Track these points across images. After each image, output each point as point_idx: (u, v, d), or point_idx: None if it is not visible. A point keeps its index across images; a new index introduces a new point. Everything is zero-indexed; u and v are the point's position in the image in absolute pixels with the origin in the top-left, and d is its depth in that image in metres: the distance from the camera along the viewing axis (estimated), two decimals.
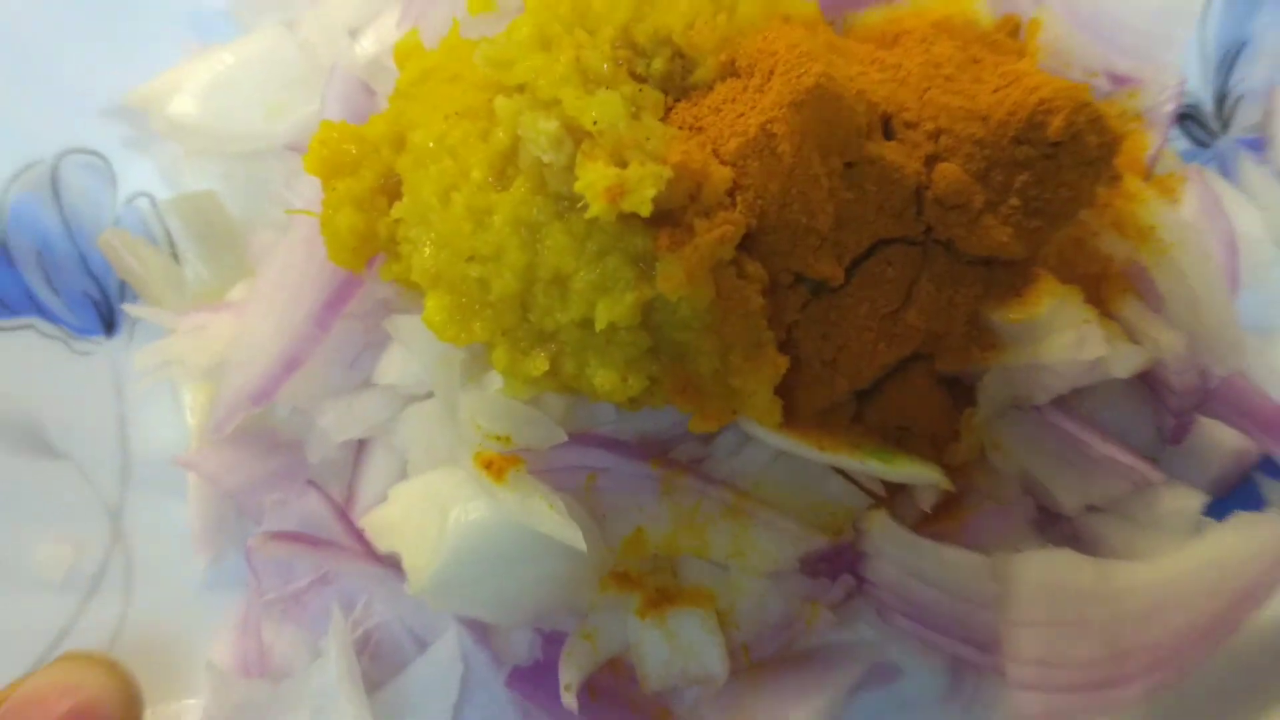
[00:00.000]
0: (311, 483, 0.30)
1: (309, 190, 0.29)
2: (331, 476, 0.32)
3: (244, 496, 0.30)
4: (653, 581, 0.28)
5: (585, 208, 0.23)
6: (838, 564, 0.28)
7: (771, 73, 0.28)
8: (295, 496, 0.30)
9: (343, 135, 0.27)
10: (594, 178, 0.23)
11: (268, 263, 0.29)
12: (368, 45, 0.32)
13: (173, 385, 0.30)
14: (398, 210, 0.26)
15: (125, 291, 0.32)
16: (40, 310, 0.30)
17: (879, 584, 0.28)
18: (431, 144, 0.26)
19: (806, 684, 0.28)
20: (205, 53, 0.31)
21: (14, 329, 0.28)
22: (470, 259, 0.26)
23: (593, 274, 0.24)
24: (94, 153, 0.31)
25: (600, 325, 0.24)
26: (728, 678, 0.28)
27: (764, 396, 0.26)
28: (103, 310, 0.31)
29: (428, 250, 0.25)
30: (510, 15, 0.29)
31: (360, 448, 0.30)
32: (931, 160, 0.30)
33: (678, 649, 0.27)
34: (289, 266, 0.28)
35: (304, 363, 0.28)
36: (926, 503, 0.30)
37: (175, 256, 0.31)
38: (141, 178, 0.33)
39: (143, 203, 0.33)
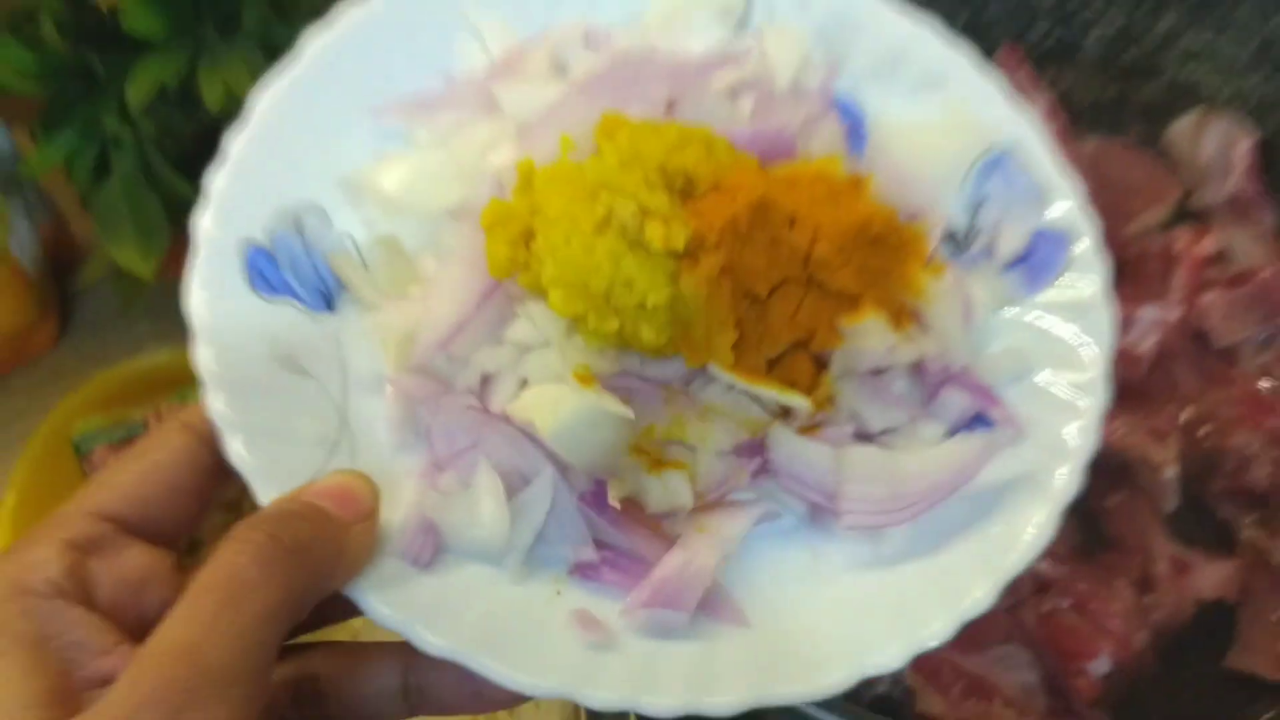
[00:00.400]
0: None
1: (464, 235, 0.50)
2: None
3: (420, 400, 0.50)
4: (654, 453, 0.50)
5: (648, 246, 0.46)
6: (755, 450, 0.51)
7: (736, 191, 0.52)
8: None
9: (500, 206, 0.49)
10: (653, 233, 0.46)
11: (443, 272, 0.51)
12: (496, 159, 0.54)
13: (375, 339, 0.50)
14: (534, 247, 0.48)
15: (339, 287, 0.52)
16: (292, 293, 0.49)
17: (774, 463, 0.50)
18: (556, 212, 0.48)
19: (733, 513, 0.50)
20: (392, 155, 0.53)
21: (280, 303, 0.48)
22: (579, 272, 0.48)
23: (647, 280, 0.47)
24: (319, 206, 0.46)
25: (649, 307, 0.47)
26: (691, 507, 0.50)
27: (725, 351, 0.50)
28: (326, 297, 0.52)
29: (551, 269, 0.47)
30: (584, 152, 0.52)
31: (487, 379, 0.51)
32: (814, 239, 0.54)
33: (666, 491, 0.50)
34: (459, 274, 0.50)
35: (466, 328, 0.50)
36: (802, 418, 0.52)
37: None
38: (348, 223, 0.52)
39: (348, 240, 0.51)
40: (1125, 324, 0.55)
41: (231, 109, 0.66)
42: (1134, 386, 0.58)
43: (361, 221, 0.46)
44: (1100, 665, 0.52)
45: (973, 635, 0.54)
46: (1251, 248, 0.63)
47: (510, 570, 0.41)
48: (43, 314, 0.80)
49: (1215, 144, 0.66)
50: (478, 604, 0.39)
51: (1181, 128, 0.67)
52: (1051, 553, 0.54)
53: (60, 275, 0.83)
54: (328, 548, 0.36)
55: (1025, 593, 0.55)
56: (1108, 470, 0.57)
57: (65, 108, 0.69)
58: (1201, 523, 0.57)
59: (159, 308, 0.82)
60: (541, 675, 0.37)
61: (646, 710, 0.38)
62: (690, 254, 0.45)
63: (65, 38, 0.67)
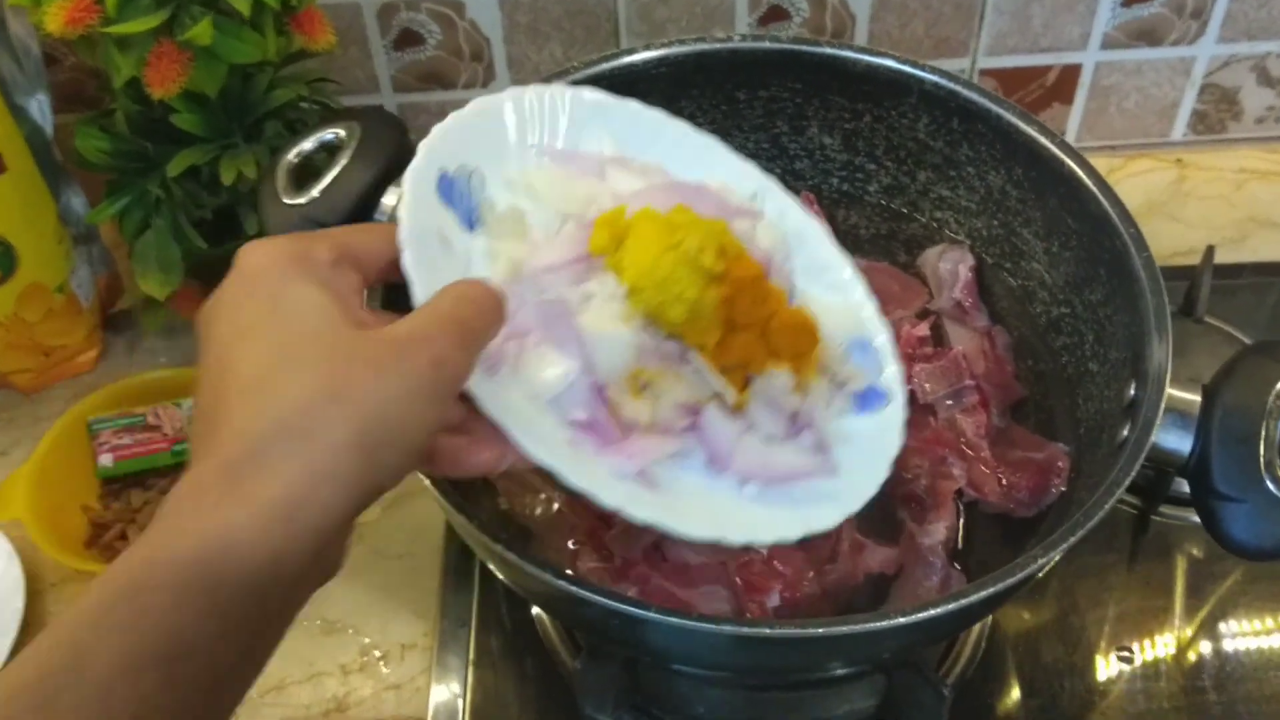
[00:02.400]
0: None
1: (571, 227, 0.67)
2: None
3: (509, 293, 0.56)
4: (637, 386, 0.65)
5: (698, 263, 0.67)
6: (694, 412, 0.62)
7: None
8: None
9: (611, 215, 0.64)
10: (706, 257, 0.64)
11: (553, 239, 0.66)
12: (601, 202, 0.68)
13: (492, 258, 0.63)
14: (624, 247, 0.63)
15: (480, 221, 0.64)
16: (455, 209, 0.62)
17: (701, 423, 0.62)
18: (645, 233, 0.63)
19: (667, 439, 0.63)
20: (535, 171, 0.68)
21: (448, 211, 0.62)
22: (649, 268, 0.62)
23: (688, 282, 0.60)
24: (482, 172, 0.65)
25: (683, 298, 0.59)
26: (644, 425, 0.62)
27: (709, 345, 0.62)
28: (470, 223, 0.63)
29: (632, 259, 0.62)
30: None
31: None
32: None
33: (636, 409, 0.58)
34: (564, 243, 0.64)
35: (560, 270, 0.62)
36: (727, 406, 0.64)
37: None
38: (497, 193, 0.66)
39: (495, 198, 0.66)
40: None
41: (242, 189, 0.93)
42: None
43: (506, 196, 0.67)
44: (772, 599, 0.70)
45: (689, 575, 0.73)
46: (967, 340, 0.84)
47: (538, 403, 0.60)
48: (89, 341, 1.05)
49: (948, 266, 0.87)
50: (516, 404, 0.57)
51: (929, 254, 0.89)
52: None
53: (108, 315, 1.08)
54: (491, 332, 0.49)
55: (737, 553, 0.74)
56: None
57: (125, 179, 0.95)
58: (884, 520, 0.76)
59: (174, 347, 1.07)
60: (538, 448, 0.54)
61: (602, 496, 0.57)
62: (715, 280, 0.66)
63: (132, 129, 0.94)
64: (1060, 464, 0.77)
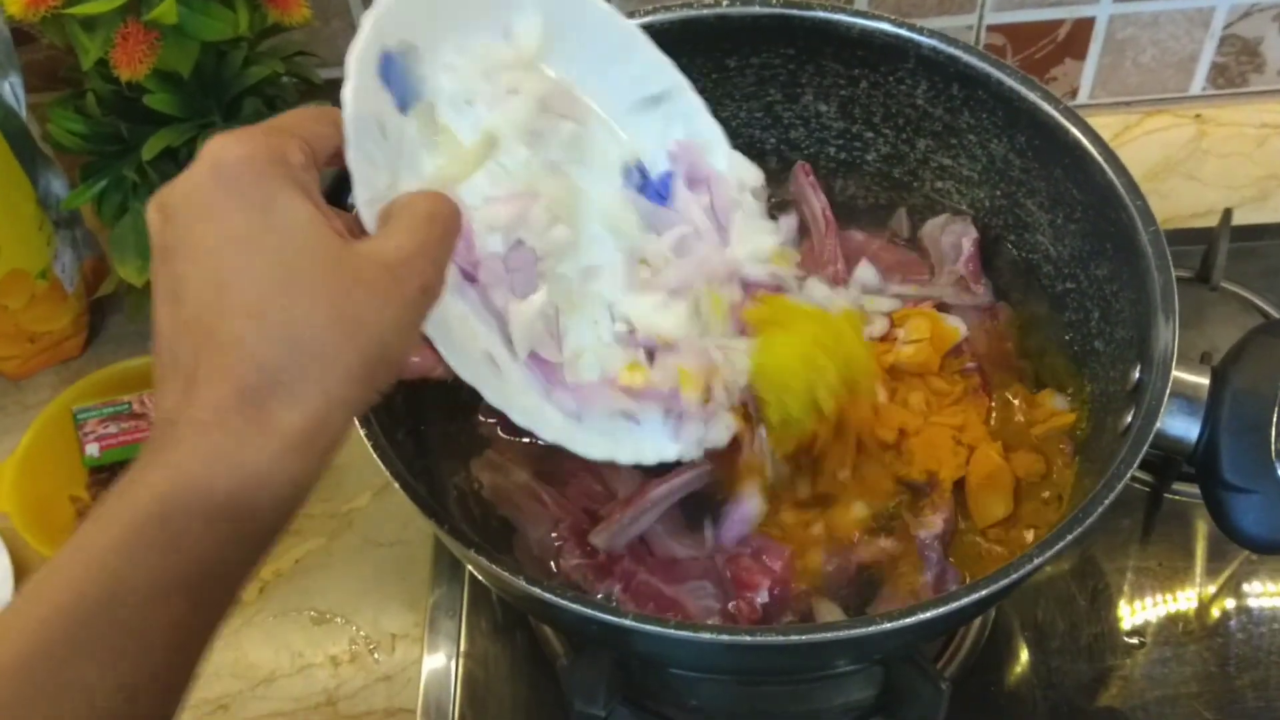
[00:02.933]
0: None
1: None
2: None
3: None
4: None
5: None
6: None
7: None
8: None
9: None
10: (823, 400, 0.67)
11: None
12: None
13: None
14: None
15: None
16: (392, 90, 0.57)
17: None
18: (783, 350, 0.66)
19: None
20: None
21: (384, 91, 0.57)
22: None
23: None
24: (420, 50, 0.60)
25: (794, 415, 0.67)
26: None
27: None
28: (404, 106, 0.59)
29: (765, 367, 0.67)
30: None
31: None
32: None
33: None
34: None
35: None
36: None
37: None
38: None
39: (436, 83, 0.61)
40: None
41: None
42: None
43: (445, 84, 0.61)
44: (761, 595, 0.68)
45: (676, 571, 0.71)
46: (968, 313, 0.80)
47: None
48: (75, 327, 1.04)
49: (950, 239, 0.84)
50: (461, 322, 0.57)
51: (931, 227, 0.85)
52: None
53: (95, 300, 1.06)
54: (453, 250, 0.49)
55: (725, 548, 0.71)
56: None
57: (101, 162, 0.93)
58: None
59: None
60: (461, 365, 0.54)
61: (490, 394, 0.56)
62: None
63: (105, 110, 0.91)
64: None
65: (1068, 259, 0.80)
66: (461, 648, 0.84)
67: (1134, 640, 0.83)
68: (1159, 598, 0.85)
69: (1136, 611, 0.84)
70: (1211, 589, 0.85)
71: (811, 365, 0.66)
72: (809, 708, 0.78)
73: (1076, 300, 0.79)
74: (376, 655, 0.86)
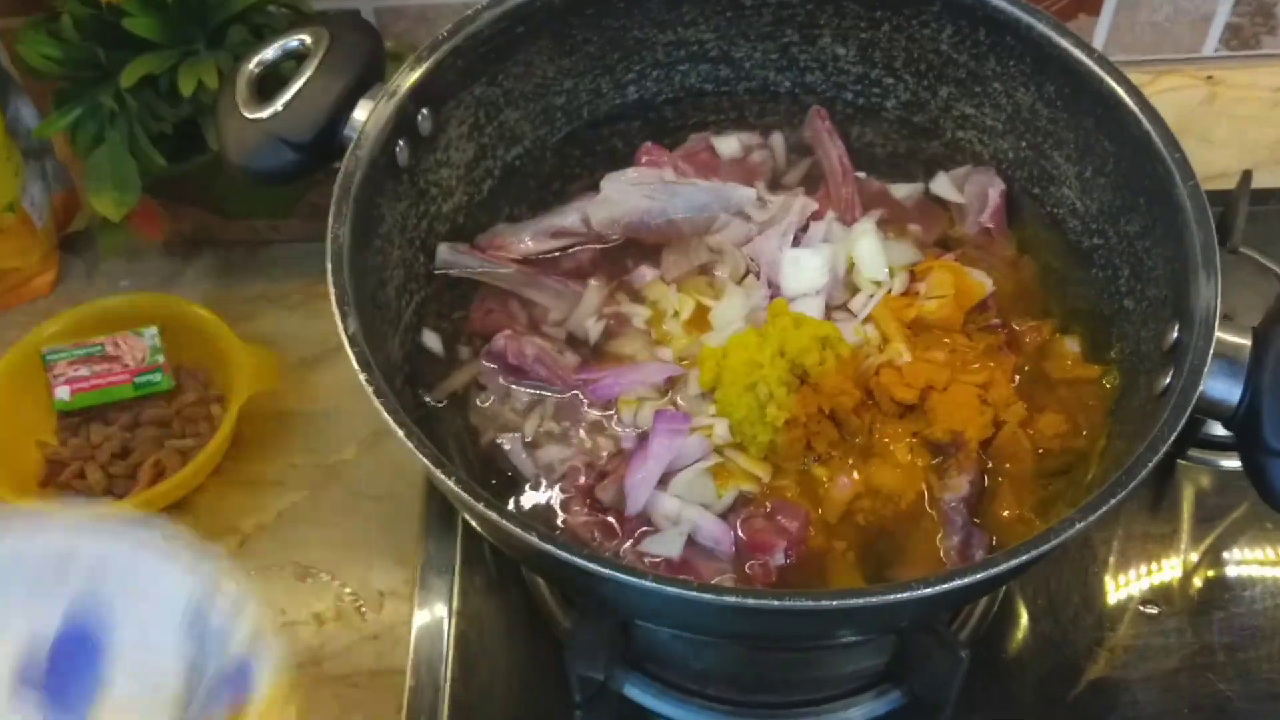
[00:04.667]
0: None
1: None
2: None
3: None
4: None
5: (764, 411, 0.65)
6: None
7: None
8: None
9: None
10: (771, 413, 0.66)
11: None
12: None
13: None
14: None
15: None
16: None
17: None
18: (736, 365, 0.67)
19: None
20: None
21: None
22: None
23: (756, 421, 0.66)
24: None
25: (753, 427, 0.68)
26: None
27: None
28: None
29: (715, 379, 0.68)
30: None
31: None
32: None
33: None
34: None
35: None
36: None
37: None
38: None
39: None
40: None
41: (204, 100, 0.85)
42: None
43: None
44: (776, 558, 0.64)
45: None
46: (992, 266, 0.77)
47: None
48: (45, 263, 0.98)
49: (974, 189, 0.80)
50: None
51: (953, 176, 0.82)
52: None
53: (66, 236, 1.01)
54: None
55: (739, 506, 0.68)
56: None
57: (75, 89, 0.87)
58: None
59: (137, 270, 1.00)
60: None
61: None
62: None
63: (82, 35, 0.86)
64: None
65: (1096, 213, 0.77)
66: (454, 606, 0.81)
67: (1148, 609, 0.80)
68: (1172, 565, 0.83)
69: (1149, 579, 0.82)
70: (1227, 558, 0.83)
71: (752, 365, 0.68)
72: (816, 675, 0.75)
73: (1105, 256, 0.76)
74: (364, 614, 0.83)
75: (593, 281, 0.77)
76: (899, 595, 0.53)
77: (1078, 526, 0.56)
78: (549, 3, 0.76)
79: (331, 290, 0.63)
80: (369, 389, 0.60)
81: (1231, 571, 0.83)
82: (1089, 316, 0.76)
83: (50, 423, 0.89)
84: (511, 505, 0.70)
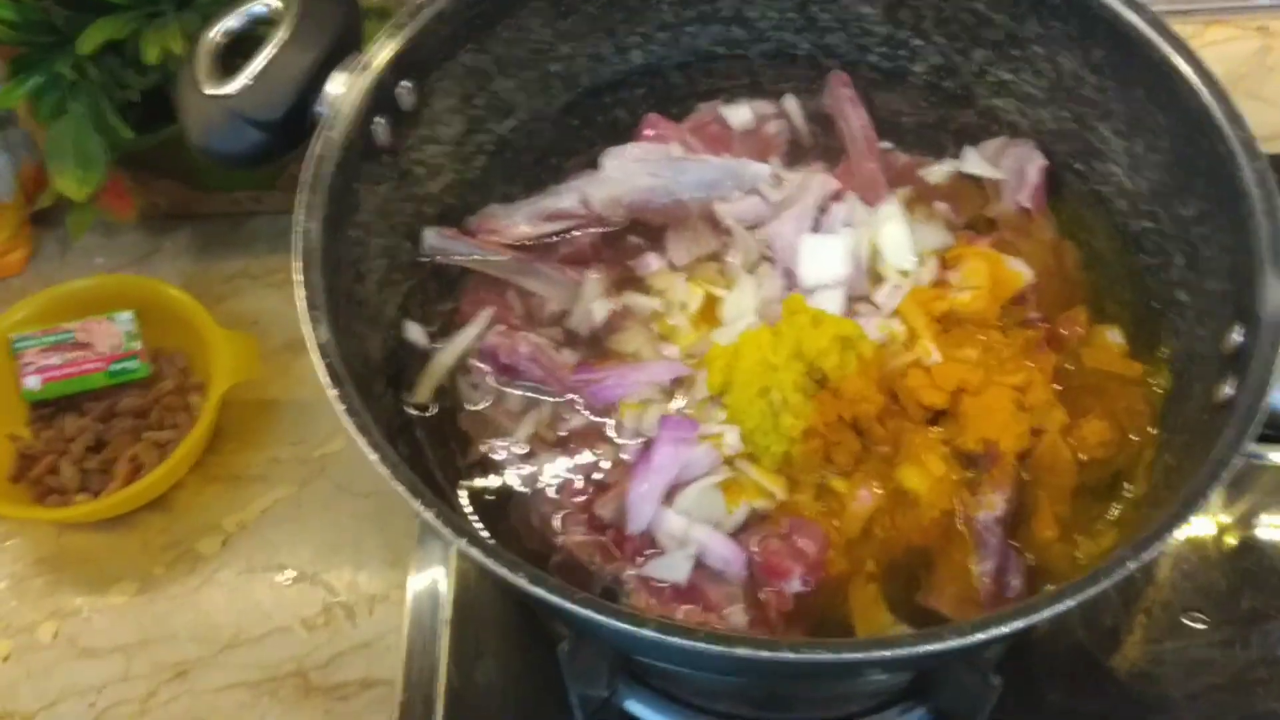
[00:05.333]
0: None
1: None
2: None
3: None
4: None
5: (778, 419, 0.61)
6: None
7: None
8: None
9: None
10: (786, 421, 0.62)
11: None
12: None
13: None
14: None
15: None
16: None
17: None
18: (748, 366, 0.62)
19: None
20: None
21: None
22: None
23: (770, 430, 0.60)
24: None
25: (765, 435, 0.63)
26: None
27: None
28: None
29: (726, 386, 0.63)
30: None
31: None
32: None
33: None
34: None
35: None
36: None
37: None
38: None
39: None
40: None
41: (172, 68, 0.79)
42: None
43: None
44: (793, 584, 0.59)
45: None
46: (1031, 251, 0.70)
47: None
48: (15, 241, 0.92)
49: (1012, 164, 0.73)
50: None
51: (986, 149, 0.75)
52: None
53: (37, 214, 0.95)
54: None
55: (752, 525, 0.62)
56: None
57: (34, 56, 0.81)
58: None
59: (113, 245, 0.94)
60: None
61: None
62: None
63: None
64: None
65: (1147, 194, 0.70)
66: (448, 615, 0.75)
67: (1193, 622, 0.74)
68: (1217, 576, 0.76)
69: (1194, 590, 0.76)
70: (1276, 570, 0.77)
71: (765, 368, 0.63)
72: (832, 694, 0.70)
73: (1155, 242, 0.69)
74: (353, 620, 0.78)
75: (592, 274, 0.70)
76: (927, 647, 0.48)
77: (1129, 566, 0.50)
78: None
79: (300, 292, 0.57)
80: (340, 406, 0.54)
81: None
82: (1136, 308, 0.70)
83: (21, 414, 0.84)
84: (503, 523, 0.64)
